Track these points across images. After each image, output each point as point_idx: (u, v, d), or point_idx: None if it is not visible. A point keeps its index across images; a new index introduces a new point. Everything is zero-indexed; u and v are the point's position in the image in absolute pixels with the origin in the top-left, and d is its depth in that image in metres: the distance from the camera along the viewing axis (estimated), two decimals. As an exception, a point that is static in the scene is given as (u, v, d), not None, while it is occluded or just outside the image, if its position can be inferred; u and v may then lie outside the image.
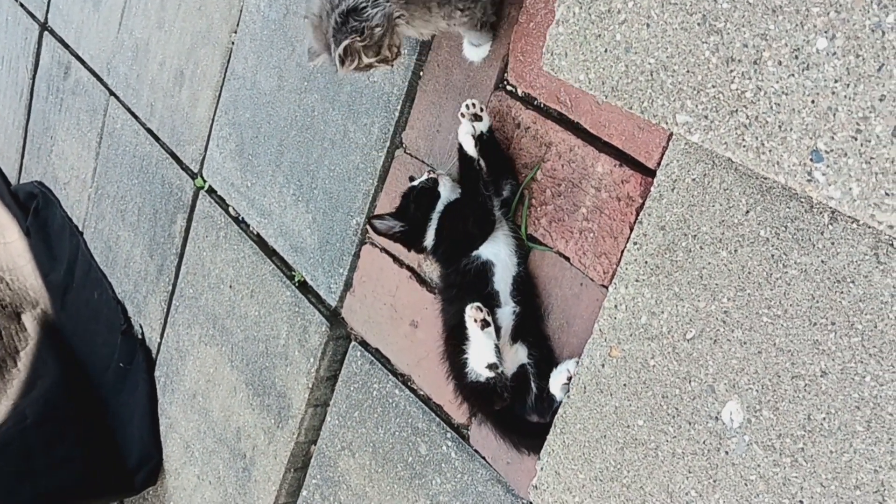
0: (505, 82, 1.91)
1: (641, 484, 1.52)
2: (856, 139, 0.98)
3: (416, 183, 1.94)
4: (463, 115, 1.80)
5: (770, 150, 1.08)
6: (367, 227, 1.95)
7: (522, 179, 1.84)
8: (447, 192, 1.90)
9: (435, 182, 1.90)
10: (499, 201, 1.86)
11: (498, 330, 1.77)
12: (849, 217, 1.21)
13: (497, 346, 1.73)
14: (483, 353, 1.72)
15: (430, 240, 1.88)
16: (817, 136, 1.02)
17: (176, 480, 3.04)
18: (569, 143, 1.74)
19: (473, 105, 1.81)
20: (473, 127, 1.78)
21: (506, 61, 1.90)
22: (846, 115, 0.98)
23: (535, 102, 1.84)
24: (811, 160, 1.04)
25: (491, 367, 1.72)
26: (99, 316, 3.62)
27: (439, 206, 1.88)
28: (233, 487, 2.74)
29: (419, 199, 1.90)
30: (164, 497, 3.11)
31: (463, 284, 1.84)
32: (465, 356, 1.77)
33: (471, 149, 1.78)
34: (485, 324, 1.70)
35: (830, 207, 1.23)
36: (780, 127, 1.06)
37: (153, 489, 3.17)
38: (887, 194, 0.97)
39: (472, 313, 1.70)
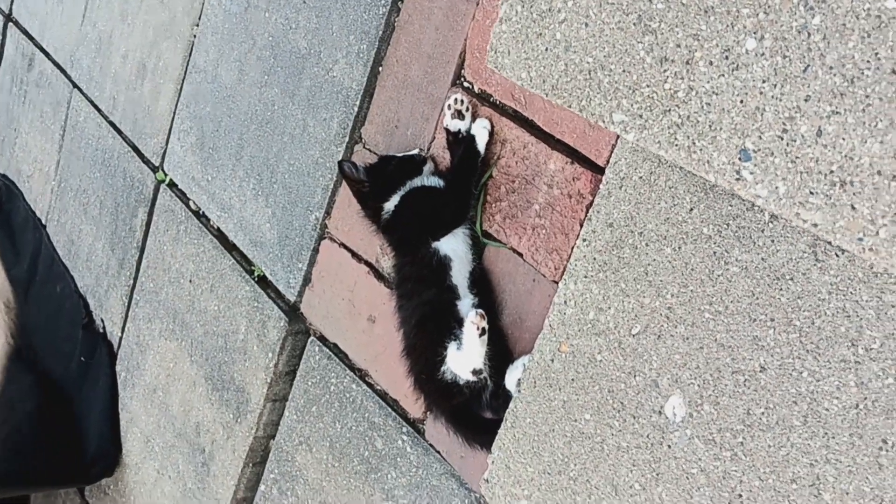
0: (462, 79, 1.92)
1: (588, 477, 1.54)
2: (782, 139, 1.00)
3: (401, 154, 1.95)
4: (477, 114, 1.81)
5: (701, 149, 1.10)
6: (337, 166, 1.93)
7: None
8: (425, 175, 1.90)
9: (423, 161, 1.91)
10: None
11: (460, 321, 1.77)
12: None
13: (487, 352, 1.73)
14: (472, 359, 1.71)
15: (388, 210, 1.87)
16: (746, 135, 1.04)
17: (136, 475, 3.02)
18: (523, 140, 1.75)
19: (462, 102, 1.81)
20: (490, 122, 1.79)
21: (463, 58, 1.90)
22: (773, 115, 1.00)
23: (491, 99, 1.85)
24: (739, 159, 1.06)
25: (476, 372, 1.72)
26: (61, 310, 3.59)
27: (411, 184, 1.88)
28: (192, 482, 2.73)
29: (400, 167, 1.90)
30: (125, 491, 3.09)
31: (420, 277, 1.84)
32: (442, 353, 1.76)
33: (482, 145, 1.78)
34: (483, 332, 1.69)
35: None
36: (710, 126, 1.08)
37: (113, 484, 3.15)
38: (812, 193, 0.99)
39: (476, 320, 1.68)
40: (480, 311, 1.68)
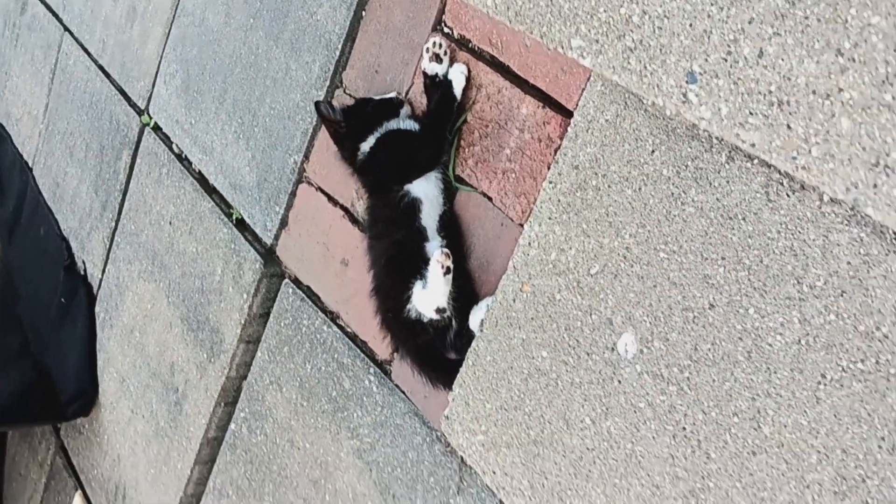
0: (442, 24, 1.93)
1: (542, 412, 1.57)
2: (726, 61, 1.02)
3: (378, 97, 1.96)
4: (455, 59, 1.82)
5: (651, 73, 1.12)
6: (314, 106, 1.95)
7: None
8: (401, 118, 1.92)
9: (400, 104, 1.93)
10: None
11: (427, 262, 1.80)
12: (745, 156, 1.26)
13: (451, 292, 1.76)
14: (436, 297, 1.74)
15: (364, 152, 1.89)
16: (693, 58, 1.06)
17: (111, 414, 3.06)
18: (497, 84, 1.77)
19: (440, 45, 1.83)
20: (468, 68, 1.80)
21: (444, 3, 1.92)
22: (719, 37, 1.02)
23: (470, 45, 1.86)
24: (686, 82, 1.08)
25: (439, 310, 1.75)
26: (44, 252, 3.61)
27: (387, 126, 1.90)
28: (165, 420, 2.76)
29: (377, 109, 1.92)
30: (99, 430, 3.13)
31: (391, 219, 1.87)
32: (408, 292, 1.79)
33: (459, 90, 1.80)
34: (448, 270, 1.72)
35: (728, 147, 1.28)
36: (660, 50, 1.10)
37: (88, 423, 3.19)
38: (751, 113, 1.01)
39: (441, 259, 1.70)
40: (446, 250, 1.71)
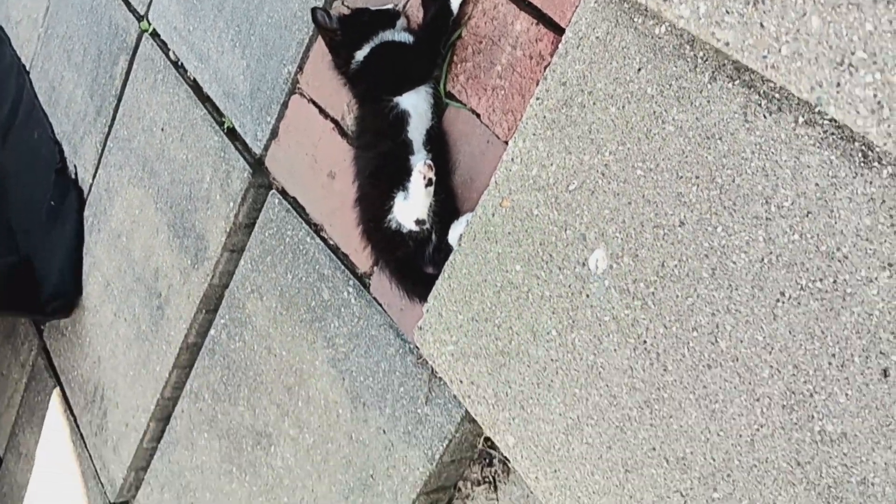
0: (443, -61, 1.92)
1: (511, 324, 1.61)
2: (709, -39, 1.03)
3: (375, 7, 1.96)
4: None
5: (636, -28, 1.13)
6: (311, 14, 1.95)
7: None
8: (397, 30, 1.92)
9: (396, 15, 1.93)
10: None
11: (410, 173, 1.82)
12: (726, 76, 1.28)
13: (432, 204, 1.78)
14: (416, 209, 1.76)
15: (357, 61, 1.90)
16: (678, -42, 1.07)
17: (94, 317, 3.10)
18: (494, 0, 1.77)
19: None
20: None
21: (447, -83, 1.90)
22: (704, -63, 1.03)
23: (470, -39, 1.86)
24: (669, -19, 1.09)
25: (419, 222, 1.77)
26: (37, 155, 3.62)
27: (382, 37, 1.91)
28: (146, 325, 2.80)
29: (374, 19, 1.92)
30: (81, 333, 3.17)
31: (378, 130, 1.88)
32: (390, 202, 1.81)
33: (455, 5, 1.80)
34: (429, 182, 1.73)
35: (711, 67, 1.29)
36: (647, -51, 1.11)
37: (71, 325, 3.23)
38: (727, 12, 1.03)
39: (424, 170, 1.72)
40: (429, 161, 1.73)
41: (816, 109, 0.98)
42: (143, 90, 2.91)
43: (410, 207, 1.76)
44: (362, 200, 1.93)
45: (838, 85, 0.96)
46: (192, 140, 2.63)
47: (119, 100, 3.05)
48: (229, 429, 2.45)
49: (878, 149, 1.11)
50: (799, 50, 0.97)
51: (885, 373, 1.11)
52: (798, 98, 1.04)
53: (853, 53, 0.92)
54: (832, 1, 0.92)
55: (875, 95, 0.93)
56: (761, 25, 0.99)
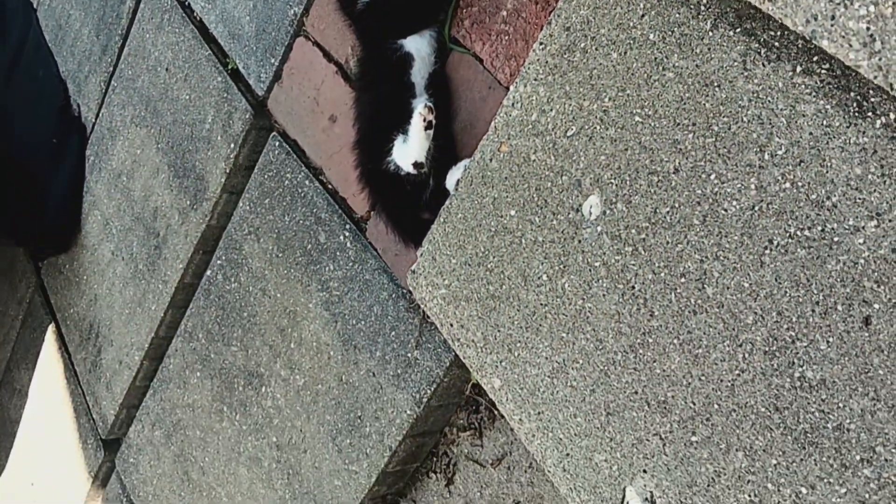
0: None
1: (502, 269, 1.62)
2: None
3: None
4: None
5: None
6: None
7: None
8: None
9: None
10: None
11: (411, 117, 1.83)
12: (728, 24, 1.28)
13: (430, 148, 1.78)
14: (415, 151, 1.76)
15: (363, 2, 1.89)
16: None
17: (92, 255, 3.11)
18: (502, -54, 1.76)
19: None
20: None
21: None
22: None
23: None
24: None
25: (417, 165, 1.78)
26: (42, 93, 3.61)
27: None
28: (143, 264, 2.82)
29: None
30: (79, 271, 3.19)
31: (381, 72, 1.88)
32: (389, 145, 1.82)
33: None
34: (429, 125, 1.73)
35: (714, 15, 1.29)
36: None
37: (68, 263, 3.25)
38: None
39: (424, 112, 1.72)
40: (430, 104, 1.73)
41: (812, 44, 0.99)
42: (148, 30, 2.90)
43: (409, 150, 1.77)
44: (361, 142, 1.93)
45: (833, 18, 0.96)
46: (195, 81, 2.63)
47: (125, 39, 3.04)
48: (222, 368, 2.48)
49: (872, 99, 1.12)
50: (797, -17, 0.98)
51: (867, 321, 1.13)
52: (795, 33, 1.04)
53: (849, -14, 0.92)
54: (832, -67, 0.92)
55: (868, 28, 0.93)
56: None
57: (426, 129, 1.73)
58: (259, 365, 2.34)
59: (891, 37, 0.91)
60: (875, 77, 0.94)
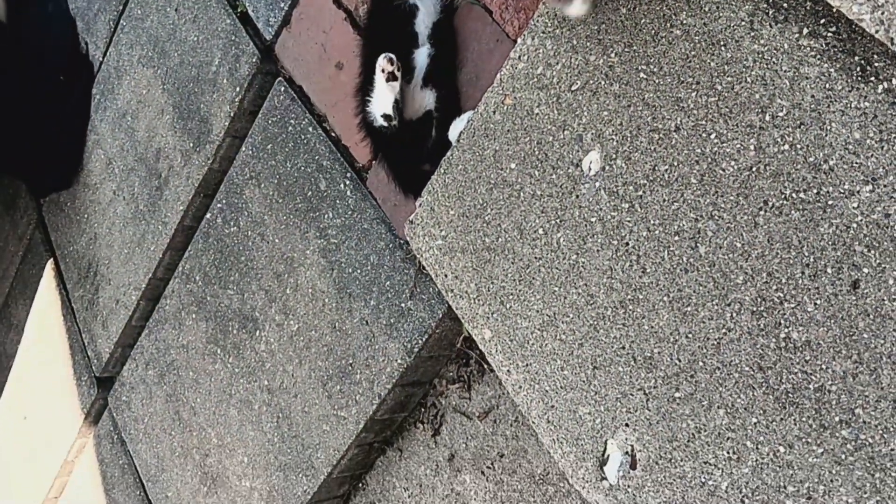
0: None
1: (499, 221, 1.63)
2: None
3: None
4: None
5: None
6: None
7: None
8: None
9: None
10: None
11: (412, 70, 1.82)
12: (738, -17, 1.27)
13: (397, 100, 1.77)
14: (382, 103, 1.76)
15: None
16: None
17: (93, 194, 3.12)
18: None
19: None
20: None
21: None
22: None
23: None
24: None
25: (385, 117, 1.78)
26: (50, 29, 3.59)
27: None
28: (144, 204, 2.82)
29: None
30: (80, 209, 3.20)
31: (386, 21, 1.88)
32: (368, 97, 1.82)
33: None
34: (391, 76, 1.72)
35: (725, -27, 1.29)
36: None
37: (70, 201, 3.25)
38: None
39: (383, 63, 1.71)
40: (390, 55, 1.71)
41: (819, 5, 0.98)
42: (159, -31, 2.88)
43: (376, 102, 1.76)
44: (361, 91, 1.93)
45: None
46: (204, 22, 2.61)
47: (135, -22, 3.02)
48: (217, 311, 2.50)
49: (876, 63, 1.12)
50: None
51: (856, 284, 1.14)
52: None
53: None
54: None
55: (874, -16, 0.93)
56: None
57: (387, 80, 1.72)
58: (254, 309, 2.36)
59: (895, -9, 0.91)
60: (877, 31, 0.94)
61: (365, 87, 1.90)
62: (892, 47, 0.92)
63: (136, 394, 2.87)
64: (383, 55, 1.72)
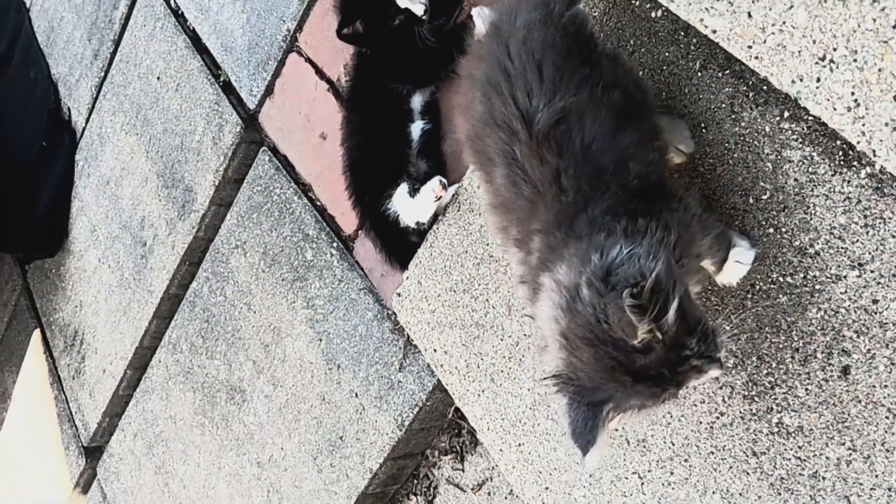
0: None
1: (488, 297, 1.62)
2: (701, -52, 1.03)
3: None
4: None
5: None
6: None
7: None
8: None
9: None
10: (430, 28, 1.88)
11: (410, 143, 1.84)
12: (717, 65, 1.28)
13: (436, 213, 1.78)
14: (420, 215, 1.75)
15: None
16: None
17: (79, 261, 3.10)
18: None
19: None
20: None
21: None
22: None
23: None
24: (661, -35, 1.09)
25: (418, 224, 1.77)
26: (32, 95, 3.59)
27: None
28: (129, 272, 2.80)
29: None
30: (65, 276, 3.17)
31: (376, 96, 1.87)
32: (391, 190, 1.78)
33: None
34: (438, 198, 1.73)
35: (703, 55, 1.30)
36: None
37: (55, 268, 3.23)
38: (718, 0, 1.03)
39: (437, 189, 1.69)
40: (444, 180, 1.71)
41: (799, 104, 0.99)
42: (141, 37, 2.89)
43: (416, 211, 1.75)
44: (355, 165, 1.92)
45: (818, 80, 0.96)
46: (187, 91, 2.62)
47: (117, 45, 3.03)
48: (204, 382, 2.47)
49: (858, 148, 1.12)
50: (783, 42, 0.97)
51: (846, 371, 1.13)
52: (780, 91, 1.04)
53: (835, 50, 0.92)
54: (818, -5, 0.92)
55: (853, 93, 0.93)
56: (749, 15, 0.99)
57: (435, 200, 1.72)
58: (242, 380, 2.33)
59: (875, 103, 0.91)
60: (858, 142, 0.94)
61: (361, 163, 1.89)
62: (875, 158, 0.93)
63: (125, 465, 2.83)
64: (438, 180, 1.70)
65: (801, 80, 0.97)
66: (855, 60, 0.91)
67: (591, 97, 1.06)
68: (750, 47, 1.01)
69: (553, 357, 1.01)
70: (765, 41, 0.99)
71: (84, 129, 3.19)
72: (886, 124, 0.90)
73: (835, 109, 0.95)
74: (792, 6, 0.94)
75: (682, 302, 0.90)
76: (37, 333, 3.33)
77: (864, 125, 0.93)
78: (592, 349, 0.94)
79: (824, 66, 0.94)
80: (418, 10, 1.73)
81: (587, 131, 1.05)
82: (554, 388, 1.00)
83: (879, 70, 0.89)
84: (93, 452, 3.04)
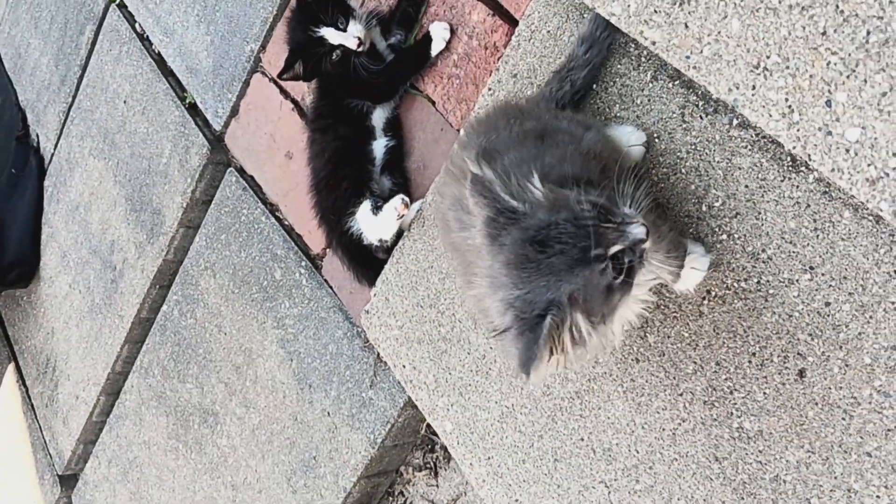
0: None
1: (454, 311, 1.62)
2: (640, -39, 1.05)
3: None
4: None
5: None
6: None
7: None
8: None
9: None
10: (387, 46, 1.89)
11: (373, 160, 1.84)
12: (667, 76, 1.29)
13: (400, 231, 1.78)
14: (383, 231, 1.76)
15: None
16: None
17: (49, 287, 3.08)
18: (453, -11, 1.77)
19: None
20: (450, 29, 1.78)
21: None
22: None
23: (433, -51, 1.86)
24: (602, -22, 1.11)
25: (381, 241, 1.78)
26: (0, 121, 3.57)
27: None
28: (100, 298, 2.79)
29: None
30: (37, 303, 3.15)
31: (338, 115, 1.87)
32: (354, 209, 1.79)
33: (435, 51, 1.79)
34: (400, 217, 1.74)
35: (654, 67, 1.31)
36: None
37: (26, 296, 3.20)
38: (656, 11, 1.04)
39: (400, 208, 1.71)
40: (406, 199, 1.72)
41: (735, 111, 1.00)
42: (107, 61, 2.88)
43: (378, 228, 1.76)
44: (320, 184, 1.92)
45: (753, 88, 0.97)
46: (153, 114, 2.62)
47: (84, 70, 3.02)
48: (177, 406, 2.46)
49: (794, 153, 1.14)
50: (719, 52, 0.99)
51: (802, 373, 1.14)
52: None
53: (768, 57, 0.94)
54: (751, 4, 0.94)
55: (786, 99, 0.95)
56: (686, 26, 1.01)
57: (398, 218, 1.73)
58: (214, 403, 2.32)
59: (808, 109, 0.93)
60: (794, 147, 0.96)
61: (325, 182, 1.89)
62: (811, 163, 0.94)
63: (100, 492, 2.80)
64: (400, 198, 1.72)
65: (738, 87, 0.99)
66: (787, 67, 0.93)
67: None
68: (688, 57, 1.03)
69: (495, 312, 1.01)
70: (702, 51, 1.01)
71: (52, 154, 3.17)
72: (819, 129, 0.92)
73: (770, 116, 0.97)
74: (726, 16, 0.96)
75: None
76: (8, 360, 3.30)
77: (798, 130, 0.94)
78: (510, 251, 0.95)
79: (759, 74, 0.96)
80: (352, 44, 1.74)
81: None
82: (499, 336, 1.00)
83: (811, 76, 0.91)
84: (68, 480, 3.01)
